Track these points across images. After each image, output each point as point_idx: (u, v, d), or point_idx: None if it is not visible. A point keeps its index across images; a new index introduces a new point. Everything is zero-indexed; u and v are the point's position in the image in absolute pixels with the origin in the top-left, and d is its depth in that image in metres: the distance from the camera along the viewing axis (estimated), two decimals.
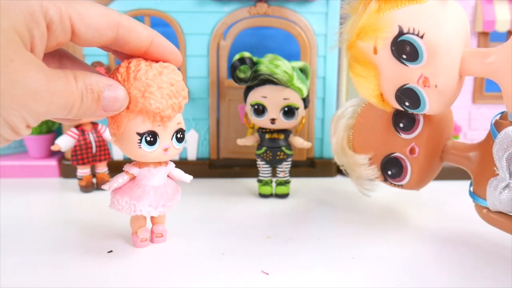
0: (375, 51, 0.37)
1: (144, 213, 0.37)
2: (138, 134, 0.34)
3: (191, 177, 0.41)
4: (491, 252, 0.40)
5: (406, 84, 0.37)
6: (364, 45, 0.38)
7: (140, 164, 0.38)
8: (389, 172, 0.44)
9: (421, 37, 0.35)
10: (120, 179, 0.38)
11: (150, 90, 0.33)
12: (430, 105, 0.37)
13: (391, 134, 0.44)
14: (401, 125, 0.42)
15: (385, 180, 0.45)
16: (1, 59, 0.24)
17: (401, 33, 0.35)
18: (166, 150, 0.36)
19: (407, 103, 0.38)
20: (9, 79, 0.25)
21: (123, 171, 0.38)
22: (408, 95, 0.38)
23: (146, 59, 0.34)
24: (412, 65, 0.36)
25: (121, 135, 0.35)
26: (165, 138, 0.36)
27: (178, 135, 0.36)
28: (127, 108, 0.33)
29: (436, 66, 0.35)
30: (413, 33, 0.35)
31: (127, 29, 0.31)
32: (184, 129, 0.37)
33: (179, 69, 0.35)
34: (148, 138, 0.35)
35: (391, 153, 0.44)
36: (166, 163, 0.39)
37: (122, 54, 0.34)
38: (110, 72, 0.35)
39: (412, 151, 0.42)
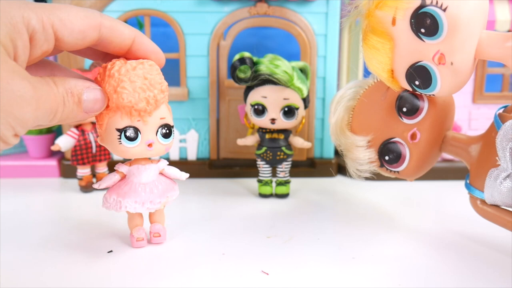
0: (394, 22, 0.37)
1: (130, 210, 0.37)
2: (118, 130, 0.35)
3: (187, 174, 0.40)
4: (490, 252, 0.40)
5: (420, 61, 0.37)
6: (383, 15, 0.37)
7: (131, 163, 0.38)
8: (386, 158, 0.43)
9: (444, 10, 0.34)
10: (111, 178, 0.38)
11: (122, 85, 0.33)
12: (441, 85, 0.37)
13: (393, 118, 0.43)
14: (404, 109, 0.41)
15: (381, 166, 0.44)
16: None
17: (423, 5, 0.35)
18: (150, 145, 0.36)
19: (417, 82, 0.38)
20: None
21: (114, 170, 0.39)
22: (420, 73, 0.37)
23: (128, 58, 0.34)
24: (429, 40, 0.36)
25: (104, 133, 0.35)
26: (148, 133, 0.35)
27: (164, 130, 0.36)
28: (107, 106, 0.33)
29: (455, 42, 0.35)
30: (435, 5, 0.34)
31: (109, 29, 0.31)
32: (170, 124, 0.36)
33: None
34: (128, 134, 0.35)
35: (390, 137, 0.43)
36: (157, 160, 0.39)
37: (107, 57, 0.34)
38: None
39: (413, 136, 0.42)
